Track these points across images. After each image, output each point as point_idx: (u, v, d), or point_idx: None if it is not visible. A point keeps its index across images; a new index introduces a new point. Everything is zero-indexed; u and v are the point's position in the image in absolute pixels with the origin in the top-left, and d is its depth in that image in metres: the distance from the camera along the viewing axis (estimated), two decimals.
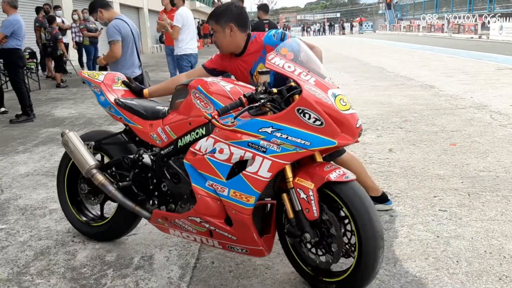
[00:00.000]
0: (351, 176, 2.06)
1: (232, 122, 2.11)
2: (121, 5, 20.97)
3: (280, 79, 2.39)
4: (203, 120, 2.25)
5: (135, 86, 2.91)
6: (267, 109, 2.09)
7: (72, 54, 12.92)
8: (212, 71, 2.83)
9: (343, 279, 2.13)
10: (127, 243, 2.84)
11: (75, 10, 12.28)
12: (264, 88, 2.10)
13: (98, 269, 2.54)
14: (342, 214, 2.10)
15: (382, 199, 3.08)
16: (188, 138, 2.35)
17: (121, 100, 2.74)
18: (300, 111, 1.98)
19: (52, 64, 11.44)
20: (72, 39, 12.11)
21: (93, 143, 2.83)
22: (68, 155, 2.84)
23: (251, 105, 2.06)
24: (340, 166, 2.14)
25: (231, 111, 2.08)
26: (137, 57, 4.81)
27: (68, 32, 12.09)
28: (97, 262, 2.61)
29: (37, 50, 11.59)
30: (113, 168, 2.75)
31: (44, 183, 4.09)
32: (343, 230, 2.10)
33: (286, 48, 2.17)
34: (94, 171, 2.67)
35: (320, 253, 2.18)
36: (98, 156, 2.86)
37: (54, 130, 6.25)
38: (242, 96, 2.07)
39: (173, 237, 2.83)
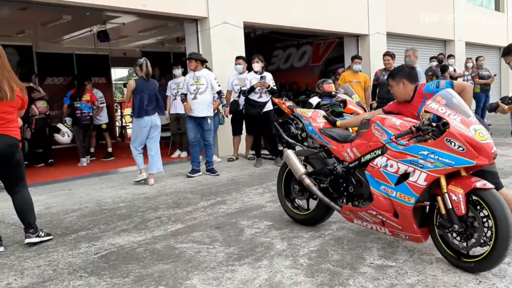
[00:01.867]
0: (490, 185, 2.92)
1: (406, 144, 3.19)
2: None
3: (438, 116, 3.19)
4: (380, 144, 3.41)
5: (331, 119, 4.18)
6: (428, 137, 3.12)
7: None
8: (388, 113, 3.82)
9: (479, 260, 2.95)
10: None
11: (469, 58, 12.23)
12: (428, 122, 3.17)
13: None
14: (483, 213, 2.94)
15: None
16: (368, 156, 3.52)
17: (324, 129, 4.05)
18: (448, 140, 2.96)
19: None
20: None
21: (303, 157, 4.22)
22: (286, 165, 4.29)
23: (419, 133, 3.14)
24: (481, 179, 2.98)
25: (403, 136, 3.17)
26: None
27: (459, 79, 12.11)
28: None
29: None
30: (316, 175, 4.07)
31: None
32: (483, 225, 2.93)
33: (440, 96, 3.16)
34: (304, 176, 4.04)
35: (463, 240, 3.04)
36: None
37: None
38: (412, 126, 3.15)
39: None
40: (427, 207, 3.25)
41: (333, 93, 7.50)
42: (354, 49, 12.31)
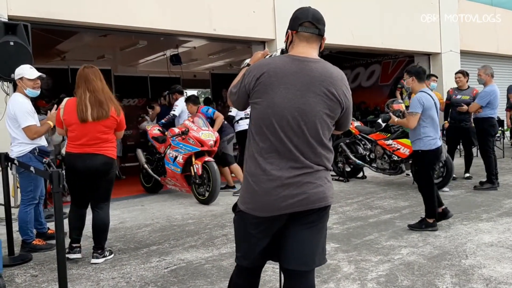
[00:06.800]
0: (211, 159, 6.51)
1: (178, 140, 6.82)
2: None
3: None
4: (169, 143, 6.97)
5: (162, 130, 7.47)
6: (186, 136, 6.63)
7: None
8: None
9: (206, 197, 6.48)
10: None
11: None
12: (186, 129, 6.67)
13: None
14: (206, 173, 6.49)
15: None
16: (166, 150, 6.99)
17: (154, 136, 7.38)
18: (189, 138, 6.56)
19: None
20: None
21: (145, 153, 7.66)
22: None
23: (182, 134, 6.65)
24: (208, 156, 6.61)
25: (178, 136, 6.78)
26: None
27: None
28: None
29: (504, 118, 11.44)
30: (150, 162, 7.48)
31: (509, 256, 3.86)
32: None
33: (193, 117, 6.98)
34: (144, 164, 7.52)
35: (201, 187, 6.56)
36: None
37: None
38: (180, 131, 6.70)
39: None
40: (193, 173, 6.55)
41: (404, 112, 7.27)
42: (425, 67, 11.90)
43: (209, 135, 6.60)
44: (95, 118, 3.93)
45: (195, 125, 6.71)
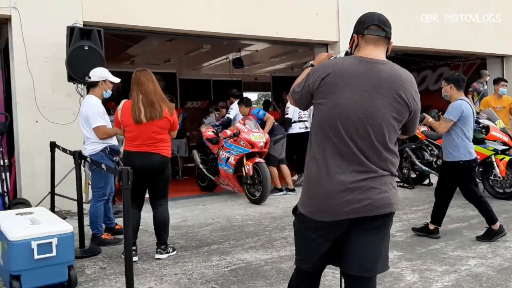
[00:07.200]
0: (262, 160, 6.71)
1: (229, 142, 7.07)
2: None
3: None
4: (222, 144, 7.19)
5: (216, 131, 7.51)
6: (237, 138, 6.94)
7: None
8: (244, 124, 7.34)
9: (258, 198, 6.70)
10: None
11: None
12: (237, 131, 6.94)
13: None
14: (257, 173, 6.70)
15: (279, 189, 7.46)
16: (219, 151, 7.23)
17: (208, 138, 7.54)
18: (240, 140, 6.83)
19: None
20: None
21: (200, 153, 7.98)
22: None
23: (234, 136, 6.93)
24: (259, 157, 6.79)
25: (230, 138, 7.04)
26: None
27: None
28: None
29: None
30: (205, 162, 7.86)
31: None
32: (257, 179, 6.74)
33: (245, 119, 7.19)
34: (199, 164, 7.86)
35: (253, 187, 6.79)
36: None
37: None
38: (231, 133, 6.98)
39: None
40: (244, 173, 6.76)
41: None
42: (498, 71, 11.30)
43: (259, 137, 6.78)
44: (149, 118, 4.07)
45: (246, 127, 6.91)
